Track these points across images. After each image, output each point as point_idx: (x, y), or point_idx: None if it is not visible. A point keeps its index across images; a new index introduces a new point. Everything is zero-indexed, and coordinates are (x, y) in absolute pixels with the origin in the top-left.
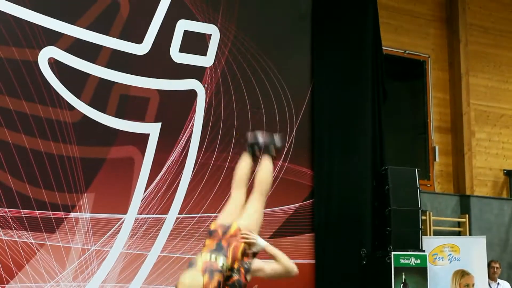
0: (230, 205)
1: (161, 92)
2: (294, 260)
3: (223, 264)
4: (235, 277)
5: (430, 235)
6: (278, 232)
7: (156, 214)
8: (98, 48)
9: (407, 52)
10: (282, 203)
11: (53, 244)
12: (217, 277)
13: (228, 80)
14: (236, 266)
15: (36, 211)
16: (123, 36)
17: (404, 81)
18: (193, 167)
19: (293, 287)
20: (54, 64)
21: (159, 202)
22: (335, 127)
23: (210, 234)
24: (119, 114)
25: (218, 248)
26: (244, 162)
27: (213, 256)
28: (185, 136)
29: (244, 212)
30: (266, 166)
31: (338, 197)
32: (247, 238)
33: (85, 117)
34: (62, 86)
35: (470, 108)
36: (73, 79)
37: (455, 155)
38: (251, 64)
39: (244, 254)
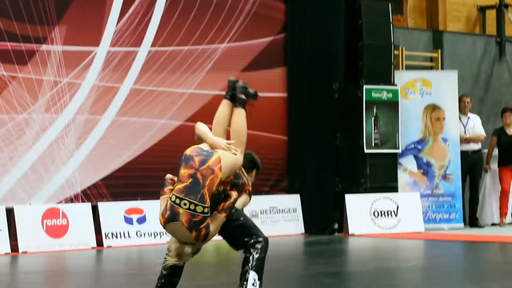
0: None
1: None
2: (267, 94)
3: (202, 210)
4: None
5: (402, 69)
6: (251, 65)
7: (128, 47)
8: None
9: None
10: (255, 36)
11: (25, 76)
12: (203, 226)
13: None
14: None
15: (8, 43)
16: None
17: None
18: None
19: (266, 121)
20: None
21: (131, 34)
22: None
23: (186, 162)
24: None
25: (193, 186)
26: (223, 107)
27: (192, 205)
28: None
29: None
30: (240, 115)
31: (311, 31)
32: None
33: None
34: None
35: None
36: None
37: None
38: None
39: (220, 183)
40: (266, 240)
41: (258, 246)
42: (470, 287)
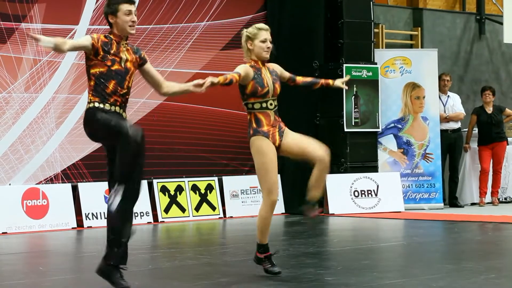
0: None
1: None
2: None
3: None
4: None
5: (382, 47)
6: (231, 44)
7: (107, 25)
8: None
9: None
10: (235, 14)
11: (4, 55)
12: None
13: None
14: None
15: None
16: None
17: None
18: None
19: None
20: None
21: None
22: None
23: None
24: None
25: None
26: None
27: None
28: None
29: None
30: None
31: (291, 8)
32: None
33: None
34: None
35: None
36: None
37: None
38: None
39: None
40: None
41: None
42: (449, 267)
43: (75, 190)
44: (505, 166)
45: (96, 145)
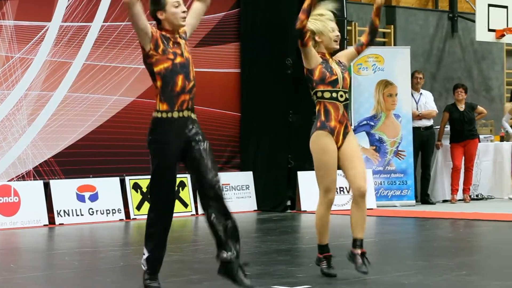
0: None
1: None
2: (220, 70)
3: None
4: None
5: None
6: (204, 41)
7: (80, 22)
8: None
9: None
10: (208, 11)
11: None
12: None
13: None
14: None
15: None
16: None
17: None
18: None
19: (219, 97)
20: None
21: (83, 9)
22: None
23: None
24: None
25: None
26: None
27: None
28: None
29: None
30: None
31: (265, 5)
32: None
33: None
34: None
35: None
36: None
37: None
38: None
39: None
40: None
41: None
42: (421, 263)
43: (47, 187)
44: (477, 163)
45: (68, 142)
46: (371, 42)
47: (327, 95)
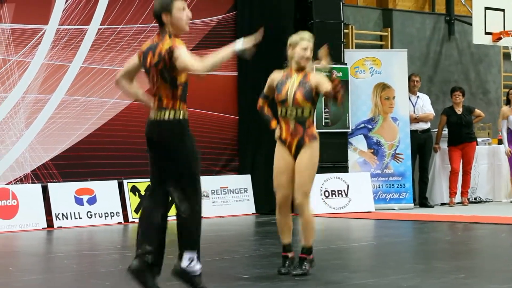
0: None
1: None
2: (217, 72)
3: None
4: None
5: (352, 48)
6: (201, 44)
7: (77, 25)
8: None
9: None
10: (205, 15)
11: None
12: None
13: None
14: None
15: None
16: None
17: None
18: None
19: (217, 100)
20: None
21: (80, 12)
22: None
23: None
24: None
25: None
26: None
27: None
28: None
29: None
30: None
31: (261, 9)
32: None
33: None
34: None
35: None
36: None
37: None
38: None
39: None
40: None
41: None
42: (419, 267)
43: (45, 190)
44: (475, 166)
45: (66, 145)
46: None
47: (279, 112)
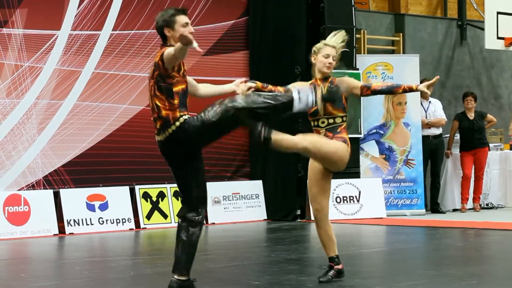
0: None
1: None
2: (229, 78)
3: None
4: None
5: (364, 53)
6: (213, 49)
7: (89, 31)
8: None
9: None
10: (217, 20)
11: None
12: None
13: None
14: None
15: None
16: None
17: None
18: None
19: None
20: None
21: (93, 18)
22: None
23: None
24: None
25: None
26: None
27: None
28: None
29: None
30: None
31: (273, 14)
32: None
33: None
34: None
35: None
36: None
37: None
38: None
39: None
40: None
41: None
42: (431, 273)
43: (57, 196)
44: (487, 172)
45: (78, 151)
46: (375, 94)
47: (311, 124)
